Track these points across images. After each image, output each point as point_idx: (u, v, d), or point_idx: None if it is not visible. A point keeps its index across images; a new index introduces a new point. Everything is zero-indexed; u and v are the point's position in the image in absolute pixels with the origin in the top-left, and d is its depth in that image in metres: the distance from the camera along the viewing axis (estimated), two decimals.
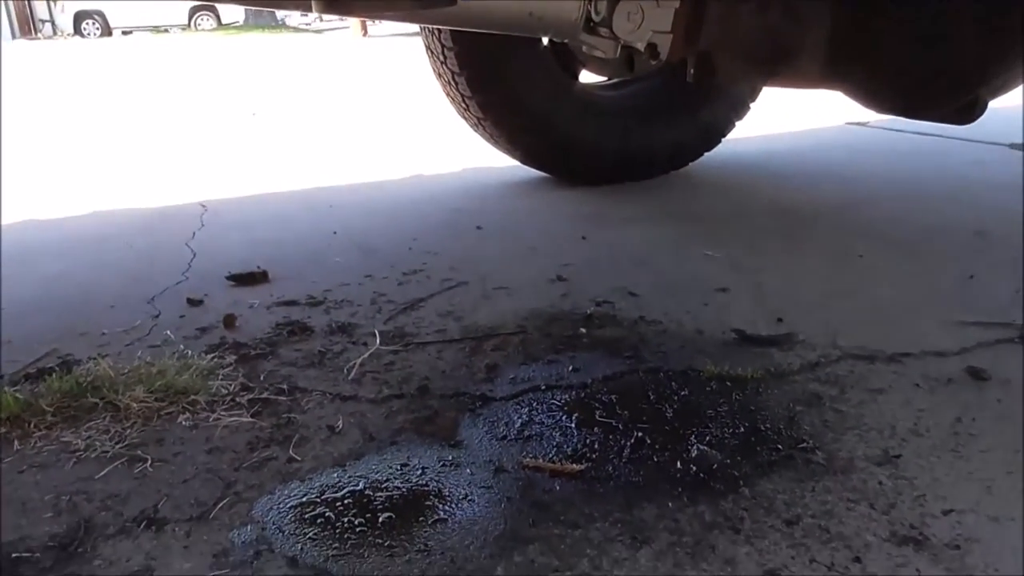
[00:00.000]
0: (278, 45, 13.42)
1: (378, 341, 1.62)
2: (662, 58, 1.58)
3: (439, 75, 2.78)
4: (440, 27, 2.59)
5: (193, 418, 1.34)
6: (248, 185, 3.14)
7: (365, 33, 16.89)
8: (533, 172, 3.00)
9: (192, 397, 1.39)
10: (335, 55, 10.86)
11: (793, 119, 4.02)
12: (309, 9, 1.20)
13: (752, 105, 2.95)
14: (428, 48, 2.76)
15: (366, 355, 1.56)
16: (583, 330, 1.63)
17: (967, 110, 1.67)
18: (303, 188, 3.06)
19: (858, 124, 3.82)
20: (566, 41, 1.99)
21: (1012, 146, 3.13)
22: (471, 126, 2.88)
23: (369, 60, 9.72)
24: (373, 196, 2.90)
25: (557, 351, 1.55)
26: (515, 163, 2.98)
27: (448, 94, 2.82)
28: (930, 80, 1.67)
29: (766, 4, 1.61)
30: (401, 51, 10.93)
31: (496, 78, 2.65)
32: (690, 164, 2.99)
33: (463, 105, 2.76)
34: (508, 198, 2.79)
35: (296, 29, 21.45)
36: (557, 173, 2.95)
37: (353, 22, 17.92)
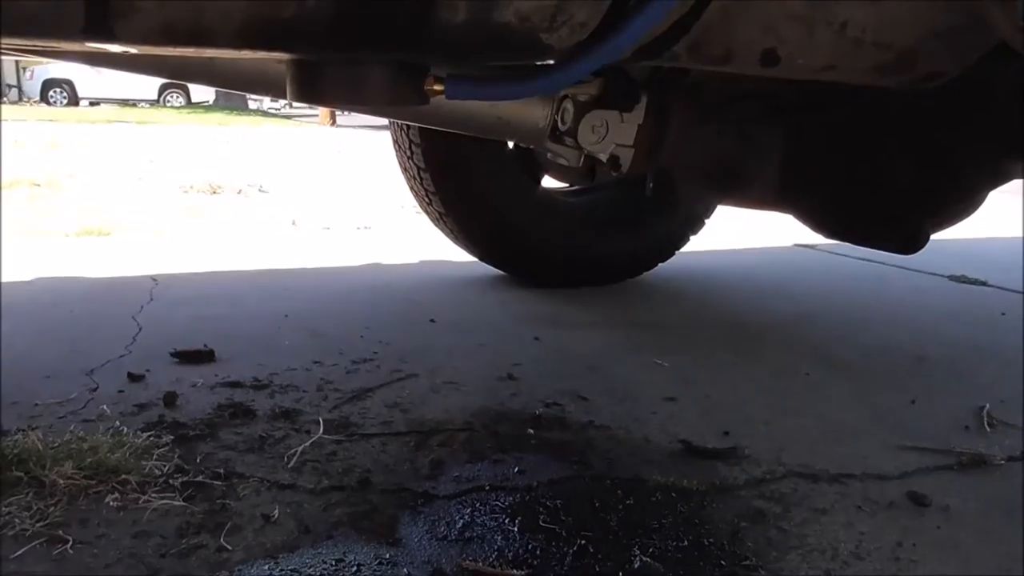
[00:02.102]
0: (246, 128, 13.55)
1: (321, 429, 1.59)
2: (623, 171, 1.63)
3: (404, 169, 2.82)
4: (409, 123, 2.65)
5: (122, 499, 1.28)
6: (202, 262, 3.11)
7: (333, 122, 17.19)
8: (490, 270, 3.02)
9: (123, 476, 1.34)
10: (302, 141, 11.00)
11: (744, 237, 4.14)
12: (282, 97, 1.22)
13: (706, 221, 3.04)
14: (395, 142, 2.81)
15: (308, 443, 1.52)
16: (531, 431, 1.62)
17: (910, 241, 1.74)
18: (258, 269, 3.04)
19: (806, 246, 3.95)
20: (532, 146, 2.05)
21: (951, 278, 3.25)
22: (432, 220, 2.91)
23: (335, 149, 9.85)
24: (328, 282, 2.89)
25: (504, 451, 1.53)
26: (473, 259, 3.01)
27: (412, 188, 2.87)
28: (873, 212, 1.75)
29: (724, 129, 1.69)
30: (367, 142, 11.11)
31: (460, 177, 2.70)
32: (644, 274, 3.04)
33: (426, 200, 2.80)
34: (464, 293, 2.80)
35: (265, 113, 21.73)
36: (514, 273, 2.98)
37: (322, 110, 18.24)
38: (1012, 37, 1.13)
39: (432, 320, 2.41)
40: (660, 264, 3.04)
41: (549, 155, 1.76)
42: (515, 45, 0.92)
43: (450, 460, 1.48)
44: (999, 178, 1.53)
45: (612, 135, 1.59)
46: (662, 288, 2.98)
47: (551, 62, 1.03)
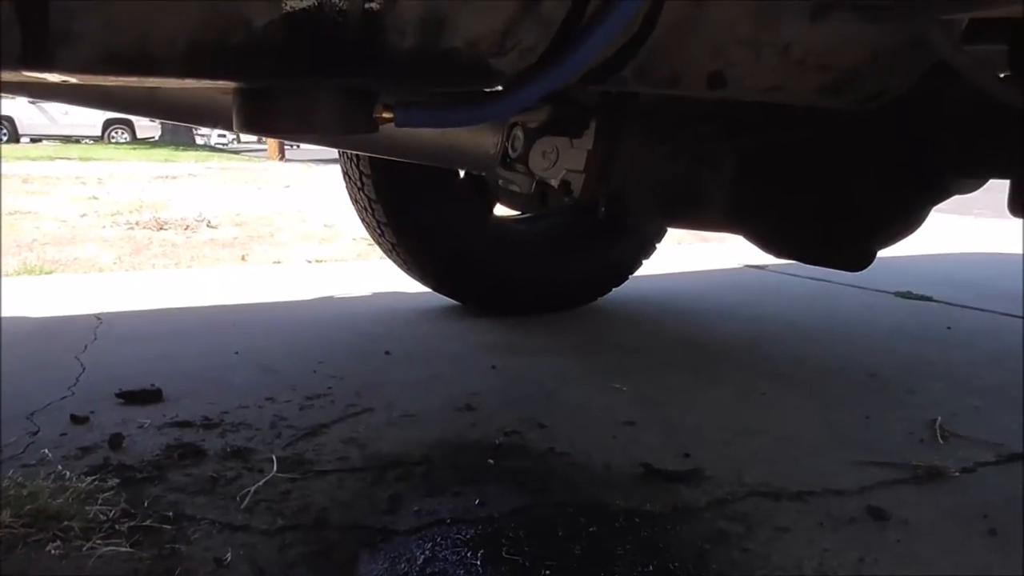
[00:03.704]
0: (193, 163, 13.37)
1: (275, 468, 1.54)
2: (575, 195, 1.63)
3: (355, 200, 2.80)
4: (359, 154, 2.63)
5: (64, 547, 1.23)
6: (148, 299, 3.04)
7: (282, 157, 17.07)
8: (444, 299, 3.00)
9: (66, 523, 1.28)
10: (251, 176, 10.88)
11: (695, 260, 4.19)
12: (229, 128, 1.20)
13: (658, 245, 3.06)
14: (346, 174, 2.79)
15: (261, 483, 1.47)
16: (491, 461, 1.60)
17: (858, 259, 1.77)
18: (207, 305, 2.98)
19: (756, 267, 4.00)
20: (483, 174, 2.04)
21: (897, 294, 3.32)
22: (384, 251, 2.89)
23: (284, 183, 9.77)
24: (279, 316, 2.84)
25: (463, 482, 1.50)
26: (426, 290, 2.98)
27: (363, 219, 2.84)
28: (822, 231, 1.77)
29: (675, 152, 1.70)
30: (317, 176, 11.05)
31: (412, 206, 2.68)
32: (599, 299, 3.05)
33: (378, 231, 2.78)
34: (418, 324, 2.78)
35: (213, 148, 21.51)
36: (468, 302, 2.97)
37: (271, 144, 18.10)
38: (953, 57, 1.16)
39: (387, 352, 2.37)
40: (614, 289, 3.04)
41: (500, 182, 1.76)
42: (464, 71, 0.91)
43: (409, 494, 1.45)
44: (944, 194, 1.57)
45: (563, 160, 1.59)
46: (617, 312, 2.98)
47: (499, 88, 1.03)
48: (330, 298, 3.17)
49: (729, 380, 2.18)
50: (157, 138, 22.54)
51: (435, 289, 2.95)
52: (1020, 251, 4.43)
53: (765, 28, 1.08)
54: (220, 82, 0.94)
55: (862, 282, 3.45)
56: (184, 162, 13.51)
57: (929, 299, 3.25)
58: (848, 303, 3.24)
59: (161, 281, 3.45)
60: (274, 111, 1.00)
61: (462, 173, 2.75)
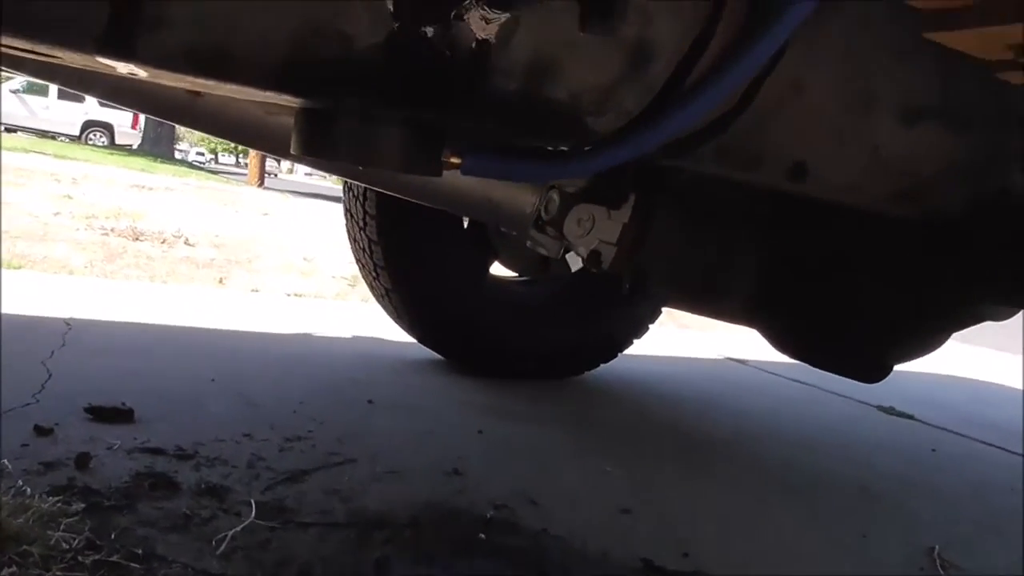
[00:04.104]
0: (170, 177, 13.19)
1: (253, 513, 1.44)
2: (603, 267, 1.58)
3: (354, 239, 2.73)
4: (367, 192, 2.58)
5: (21, 573, 1.11)
6: (121, 310, 2.91)
7: (261, 183, 16.94)
8: (426, 352, 2.91)
9: (25, 547, 1.17)
10: (229, 199, 10.74)
11: (676, 346, 4.16)
12: (276, 152, 1.14)
13: (651, 326, 3.02)
14: (348, 211, 2.72)
15: (239, 528, 1.37)
16: (482, 535, 1.51)
17: (874, 371, 1.73)
18: (183, 325, 2.86)
19: (737, 361, 3.98)
20: (513, 232, 1.95)
21: (880, 408, 3.30)
22: (376, 296, 2.80)
23: (262, 210, 9.65)
24: (258, 348, 2.73)
25: (455, 554, 1.41)
26: (408, 340, 2.90)
27: (359, 259, 2.76)
28: (842, 338, 1.74)
29: (706, 238, 1.67)
30: (295, 207, 10.95)
31: (413, 254, 2.61)
32: (585, 373, 2.99)
33: (373, 274, 2.70)
34: (402, 375, 2.68)
35: (191, 165, 21.31)
36: (455, 358, 2.88)
37: (251, 169, 17.98)
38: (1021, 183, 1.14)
39: (370, 401, 2.28)
40: (603, 364, 2.99)
41: (528, 244, 1.71)
42: (559, 125, 0.86)
43: (397, 559, 1.35)
44: (976, 319, 1.54)
45: (597, 230, 1.54)
46: (602, 388, 2.92)
47: (572, 147, 0.98)
48: (310, 336, 3.07)
49: (721, 477, 2.12)
50: (135, 147, 22.28)
51: (421, 340, 2.87)
52: (998, 380, 4.49)
53: (858, 124, 1.05)
54: (288, 98, 0.88)
55: (844, 391, 3.43)
56: (161, 174, 13.32)
57: (911, 417, 3.23)
58: (830, 411, 3.22)
59: (134, 293, 3.32)
60: (337, 138, 0.94)
61: (466, 223, 2.71)
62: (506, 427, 2.24)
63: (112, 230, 5.02)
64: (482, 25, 0.75)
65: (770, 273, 1.67)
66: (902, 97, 1.06)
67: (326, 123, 0.94)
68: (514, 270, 2.94)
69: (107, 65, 0.77)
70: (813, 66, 0.97)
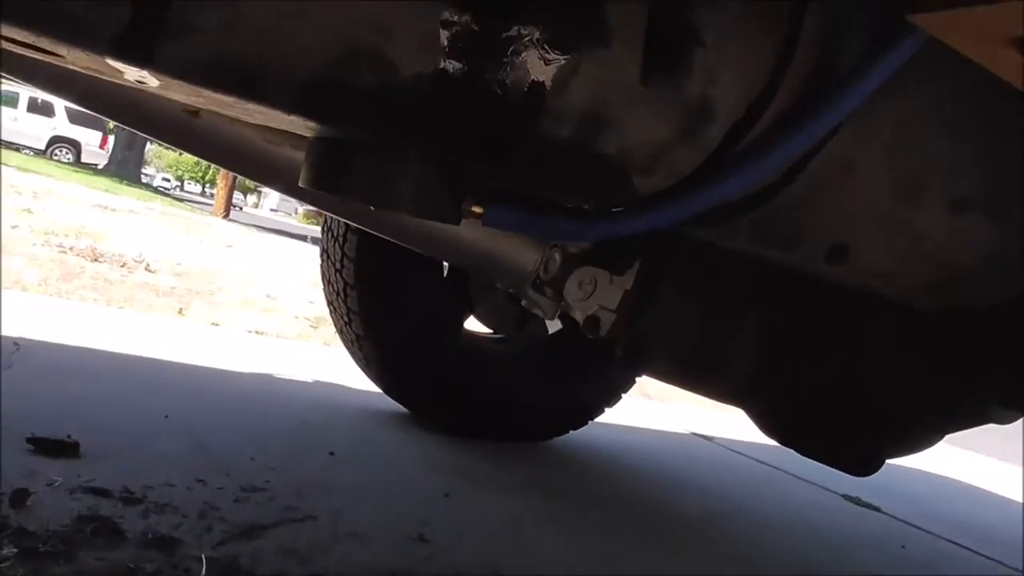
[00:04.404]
0: (135, 200, 12.95)
1: (204, 570, 1.31)
2: (600, 334, 1.50)
3: (329, 282, 2.63)
4: (347, 233, 2.50)
5: None
6: (75, 333, 2.76)
7: (226, 215, 16.73)
8: (391, 404, 2.80)
9: None
10: (193, 228, 10.55)
11: (641, 416, 4.08)
12: (279, 187, 1.06)
13: (624, 395, 2.95)
14: (325, 251, 2.63)
15: None
16: None
17: (865, 464, 1.67)
18: (139, 355, 2.72)
19: (703, 437, 3.92)
20: (510, 289, 1.84)
21: (845, 497, 3.25)
22: (345, 341, 2.70)
23: (226, 242, 9.48)
24: (216, 386, 2.60)
25: None
26: (371, 389, 2.79)
27: (331, 302, 2.66)
28: (837, 427, 1.68)
29: (707, 311, 1.61)
30: (258, 242, 10.78)
31: (389, 301, 2.52)
32: (555, 439, 2.89)
33: (345, 319, 2.60)
34: (365, 426, 2.57)
35: (156, 190, 21.00)
36: (420, 412, 2.77)
37: (217, 199, 17.75)
38: None
39: (332, 453, 2.16)
40: (573, 431, 2.90)
41: (524, 303, 1.63)
42: (604, 181, 0.79)
43: None
44: (976, 420, 1.50)
45: (598, 295, 1.47)
46: (570, 456, 2.83)
47: (600, 205, 0.91)
48: (271, 376, 2.94)
49: (699, 559, 2.03)
50: (101, 167, 21.92)
51: (387, 391, 2.76)
52: (958, 477, 4.48)
53: (905, 209, 1.00)
54: (309, 125, 0.80)
55: (808, 475, 3.38)
56: (125, 197, 13.08)
57: (877, 509, 3.18)
58: (796, 495, 3.15)
59: (90, 316, 3.17)
60: (353, 174, 0.86)
61: (446, 271, 2.63)
62: (473, 491, 2.13)
63: (71, 248, 4.85)
64: (540, 66, 0.68)
65: (770, 353, 1.61)
66: (952, 184, 1.01)
67: (343, 156, 0.86)
68: (489, 326, 2.86)
69: (114, 69, 0.68)
70: (866, 144, 0.92)
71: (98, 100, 1.27)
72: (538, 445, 2.85)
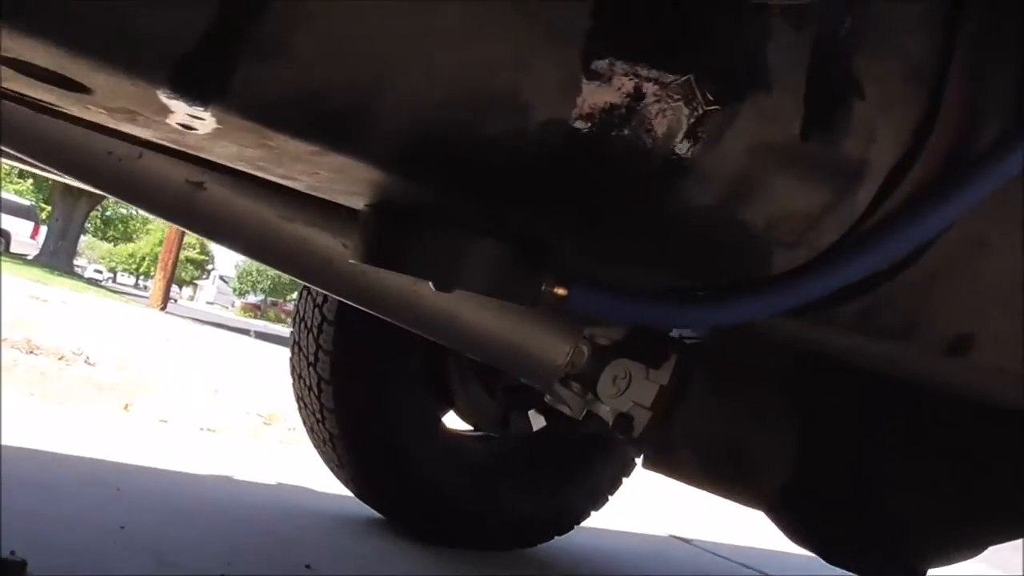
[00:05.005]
0: (67, 292, 12.48)
1: None
2: (633, 434, 1.37)
3: (299, 376, 2.45)
4: (321, 327, 2.34)
5: None
6: (11, 432, 2.50)
7: (164, 307, 16.20)
8: (362, 507, 2.59)
9: None
10: (129, 320, 10.15)
11: (616, 517, 3.90)
12: (290, 271, 0.92)
13: (610, 497, 2.79)
14: (296, 344, 2.46)
15: None
16: None
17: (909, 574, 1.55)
18: (85, 456, 2.47)
19: (683, 540, 3.75)
20: (534, 385, 1.63)
21: None
22: (315, 441, 2.50)
23: (164, 335, 9.11)
24: (173, 491, 2.37)
25: None
26: (338, 490, 2.58)
27: (301, 398, 2.47)
28: (878, 536, 1.55)
29: (740, 410, 1.49)
30: (197, 335, 10.40)
31: (367, 397, 2.35)
32: (538, 546, 2.70)
33: (317, 416, 2.40)
34: (337, 535, 2.36)
35: (89, 281, 20.37)
36: (394, 518, 2.56)
37: (153, 292, 17.21)
38: None
39: (307, 566, 1.94)
40: (557, 537, 2.71)
41: (548, 399, 1.49)
42: (738, 259, 0.68)
43: None
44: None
45: (632, 391, 1.34)
46: (551, 563, 2.64)
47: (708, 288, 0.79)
48: (230, 479, 2.71)
49: None
50: (31, 257, 21.23)
51: (359, 495, 2.55)
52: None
53: None
54: (382, 183, 0.67)
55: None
56: (58, 287, 12.59)
57: None
58: None
59: (28, 413, 2.90)
60: (415, 246, 0.73)
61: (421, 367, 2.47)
62: None
63: (4, 340, 4.53)
64: (688, 116, 0.57)
65: (810, 453, 1.49)
66: None
67: (410, 227, 0.73)
68: (469, 422, 2.69)
69: (156, 108, 0.54)
70: (1002, 222, 0.83)
71: (85, 172, 1.12)
72: (517, 554, 2.65)
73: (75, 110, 0.69)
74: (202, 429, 3.57)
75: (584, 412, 1.44)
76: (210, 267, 63.99)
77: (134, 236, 51.25)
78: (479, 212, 0.71)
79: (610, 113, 0.56)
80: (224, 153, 0.66)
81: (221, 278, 73.05)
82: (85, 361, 4.63)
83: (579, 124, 0.56)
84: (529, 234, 0.74)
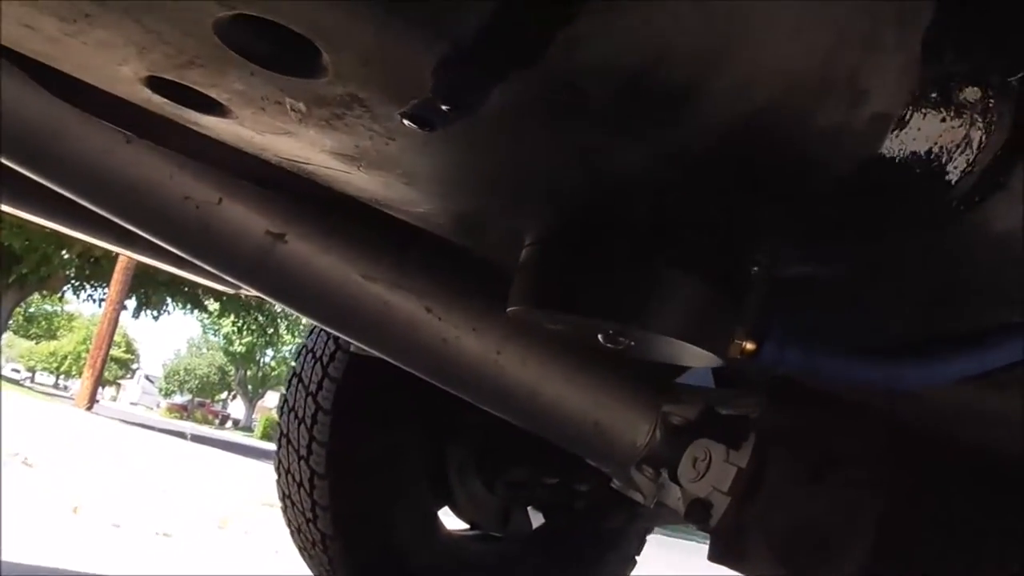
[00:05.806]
0: None
1: None
2: (711, 523, 1.24)
3: (287, 471, 2.25)
4: (315, 417, 2.17)
5: None
6: None
7: (90, 407, 15.44)
8: None
9: None
10: (57, 420, 9.60)
11: None
12: (369, 342, 0.79)
13: None
14: (285, 436, 2.27)
15: None
16: None
17: None
18: (37, 565, 2.21)
19: None
20: (607, 470, 1.45)
21: None
22: (306, 542, 2.28)
23: (99, 436, 8.62)
24: None
25: None
26: None
27: (289, 497, 2.27)
28: None
29: (819, 492, 1.38)
30: (126, 436, 9.85)
31: (365, 494, 2.17)
32: None
33: (308, 515, 2.20)
34: None
35: (9, 380, 19.39)
36: None
37: (80, 391, 16.44)
38: None
39: None
40: None
41: (615, 484, 1.36)
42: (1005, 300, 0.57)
43: None
44: None
45: (712, 475, 1.22)
46: None
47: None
48: None
49: None
50: None
51: None
52: None
53: None
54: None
55: None
56: None
57: None
58: None
59: None
60: (599, 281, 0.63)
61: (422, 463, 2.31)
62: None
63: None
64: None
65: (891, 532, 1.38)
66: None
67: (590, 260, 0.62)
68: (466, 521, 2.52)
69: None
70: None
71: (154, 220, 0.97)
72: None
73: (246, 113, 0.57)
74: (157, 533, 3.28)
75: (654, 500, 1.31)
76: (135, 366, 61.79)
77: (57, 334, 49.37)
78: (667, 251, 0.61)
79: (939, 110, 0.47)
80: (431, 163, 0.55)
81: (147, 377, 70.38)
82: (23, 462, 4.28)
83: (911, 119, 0.47)
84: (740, 270, 0.63)
